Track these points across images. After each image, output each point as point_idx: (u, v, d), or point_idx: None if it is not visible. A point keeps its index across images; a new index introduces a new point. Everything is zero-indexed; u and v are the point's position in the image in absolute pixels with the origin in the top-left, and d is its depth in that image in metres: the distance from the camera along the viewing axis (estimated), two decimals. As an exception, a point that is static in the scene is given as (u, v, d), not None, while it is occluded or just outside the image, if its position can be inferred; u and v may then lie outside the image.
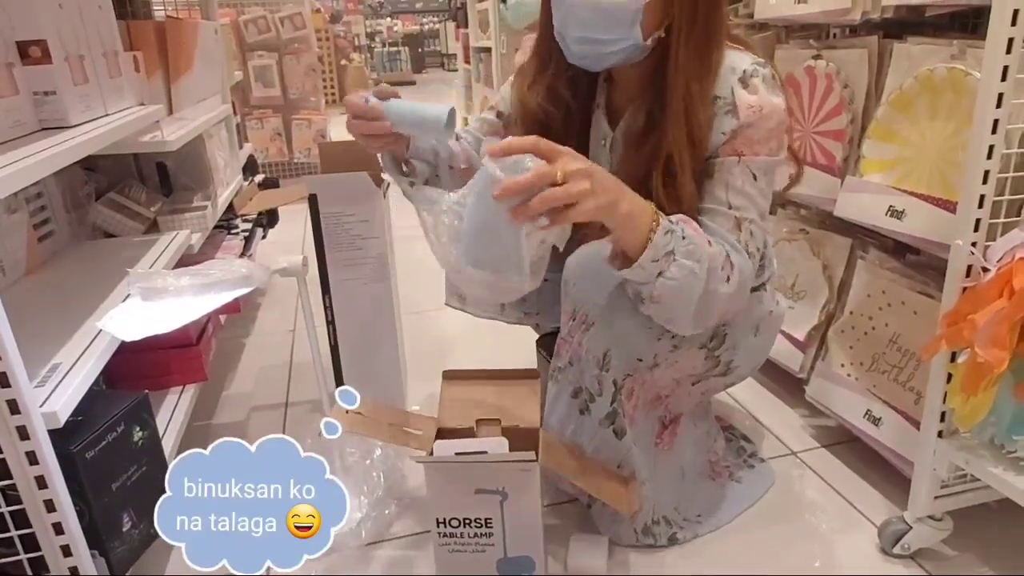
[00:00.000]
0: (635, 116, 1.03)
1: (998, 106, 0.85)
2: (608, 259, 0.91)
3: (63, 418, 0.83)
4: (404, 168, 1.09)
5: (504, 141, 0.78)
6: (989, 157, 0.87)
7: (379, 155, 1.07)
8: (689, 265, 0.87)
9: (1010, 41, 0.83)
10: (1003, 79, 0.84)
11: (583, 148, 1.12)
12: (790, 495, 1.24)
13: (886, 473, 1.21)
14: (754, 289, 1.09)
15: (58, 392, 0.85)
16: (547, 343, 1.31)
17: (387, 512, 1.19)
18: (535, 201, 0.76)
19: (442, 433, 1.03)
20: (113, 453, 0.96)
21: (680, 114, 0.93)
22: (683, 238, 0.87)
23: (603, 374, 1.03)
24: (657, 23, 0.93)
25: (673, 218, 0.89)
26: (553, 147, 0.79)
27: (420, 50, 12.36)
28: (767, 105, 0.92)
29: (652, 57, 0.97)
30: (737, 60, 0.95)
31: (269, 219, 2.29)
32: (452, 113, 0.92)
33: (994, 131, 0.86)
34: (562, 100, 1.07)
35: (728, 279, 0.91)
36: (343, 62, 7.07)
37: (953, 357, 0.96)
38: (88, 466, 0.91)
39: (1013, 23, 0.82)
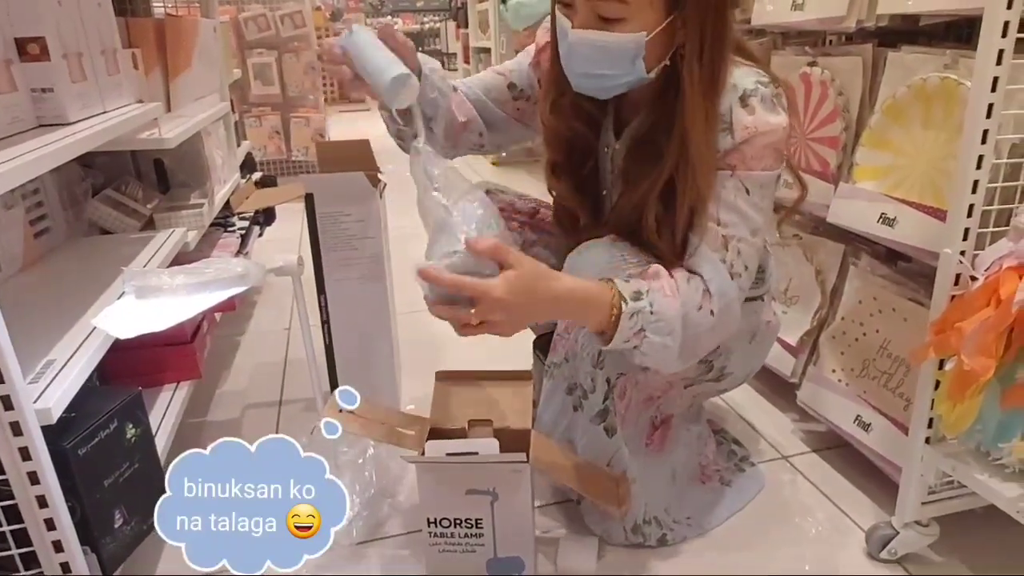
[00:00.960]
0: (641, 132, 1.03)
1: (988, 116, 0.86)
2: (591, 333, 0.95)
3: (56, 414, 0.83)
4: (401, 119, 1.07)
5: (434, 273, 0.83)
6: (979, 167, 0.88)
7: (380, 108, 1.06)
8: (659, 341, 0.91)
9: (1000, 53, 0.84)
10: (993, 90, 0.85)
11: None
12: (780, 499, 1.25)
13: (875, 478, 1.22)
14: (752, 299, 1.10)
15: (52, 388, 0.86)
16: (544, 345, 1.32)
17: (379, 511, 1.19)
18: (458, 319, 0.85)
19: (434, 433, 1.04)
20: (106, 450, 0.96)
21: (692, 148, 0.92)
22: (651, 313, 0.89)
23: (597, 371, 1.04)
24: (661, 55, 0.93)
25: (641, 284, 0.91)
26: (477, 289, 0.82)
27: (420, 48, 12.32)
28: (762, 125, 0.91)
29: (659, 79, 0.96)
30: (741, 78, 0.93)
31: (266, 217, 2.29)
32: (399, 79, 0.90)
33: (984, 141, 0.87)
34: (585, 112, 1.06)
35: (711, 311, 0.93)
36: (343, 60, 7.06)
37: (941, 364, 0.97)
38: (80, 463, 0.91)
39: (1003, 35, 0.83)
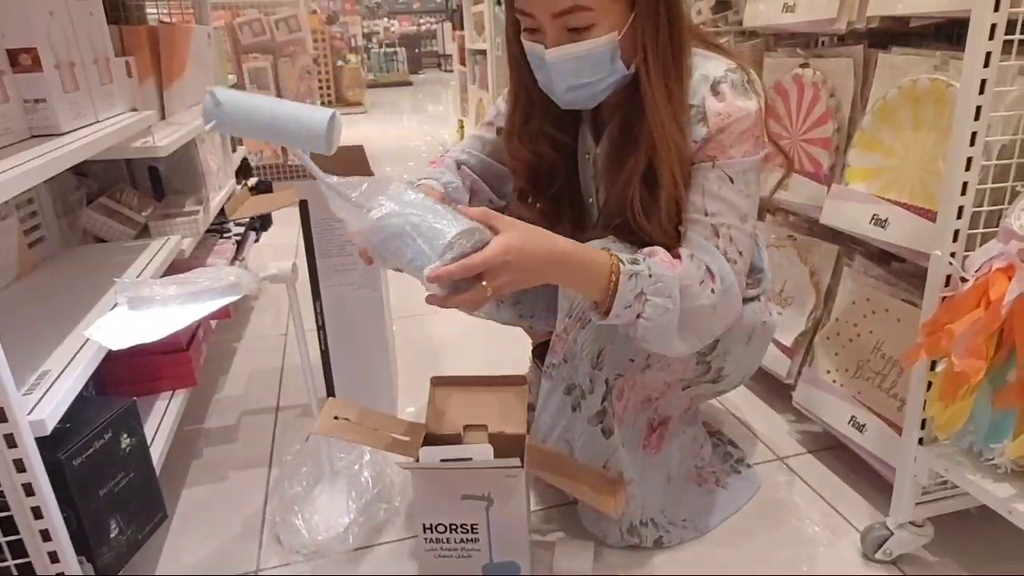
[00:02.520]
0: (615, 130, 1.04)
1: (976, 119, 0.86)
2: (590, 308, 0.95)
3: (50, 426, 0.84)
4: None
5: (444, 270, 0.80)
6: (967, 169, 0.88)
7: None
8: (661, 303, 0.90)
9: (988, 55, 0.84)
10: (981, 92, 0.85)
11: (573, 170, 1.13)
12: (776, 500, 1.25)
13: (870, 479, 1.22)
14: (749, 299, 1.10)
15: (46, 399, 0.86)
16: (542, 352, 1.32)
17: (375, 517, 1.19)
18: (476, 301, 0.83)
19: (429, 439, 1.04)
20: (100, 460, 0.96)
21: (656, 126, 0.94)
22: (650, 276, 0.90)
23: (596, 372, 1.04)
24: (635, 48, 0.94)
25: (639, 255, 0.92)
26: (486, 261, 0.82)
27: (417, 51, 12.38)
28: (734, 110, 0.93)
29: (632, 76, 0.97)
30: (711, 68, 0.95)
31: (262, 223, 2.29)
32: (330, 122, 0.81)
33: (972, 143, 0.87)
34: (549, 137, 1.08)
35: (712, 290, 0.93)
36: (339, 63, 7.08)
37: (933, 365, 0.97)
38: (75, 473, 0.92)
39: (991, 37, 0.83)
